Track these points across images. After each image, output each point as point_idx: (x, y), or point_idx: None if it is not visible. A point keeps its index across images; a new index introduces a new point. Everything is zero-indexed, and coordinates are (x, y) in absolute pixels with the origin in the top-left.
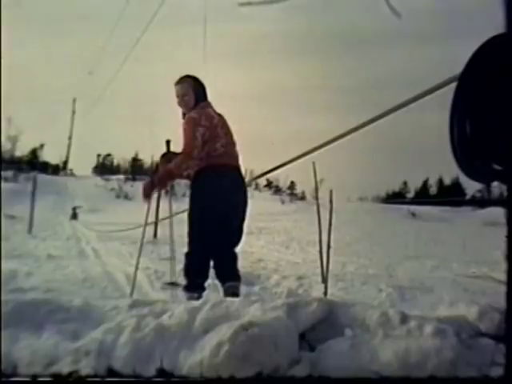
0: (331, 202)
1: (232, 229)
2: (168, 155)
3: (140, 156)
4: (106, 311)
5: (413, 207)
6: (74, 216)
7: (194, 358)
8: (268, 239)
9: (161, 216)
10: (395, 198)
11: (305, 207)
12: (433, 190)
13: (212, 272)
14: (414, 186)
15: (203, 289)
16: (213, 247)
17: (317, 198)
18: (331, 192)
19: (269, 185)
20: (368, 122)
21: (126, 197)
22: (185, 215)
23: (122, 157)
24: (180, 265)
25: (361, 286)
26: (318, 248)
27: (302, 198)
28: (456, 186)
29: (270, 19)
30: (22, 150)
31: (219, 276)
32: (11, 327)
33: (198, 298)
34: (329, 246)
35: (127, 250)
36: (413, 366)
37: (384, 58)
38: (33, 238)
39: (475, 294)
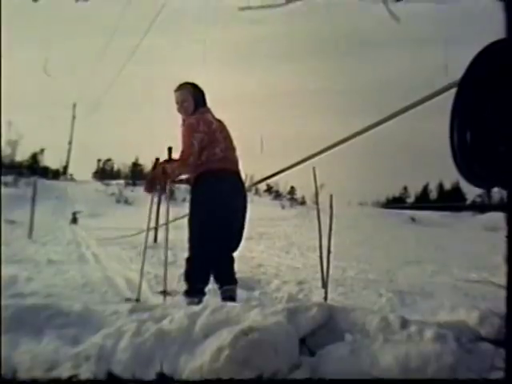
0: (331, 206)
1: (232, 233)
2: (163, 162)
3: (140, 161)
4: (106, 316)
5: (413, 212)
6: (74, 221)
7: (195, 363)
8: (268, 244)
9: (161, 221)
10: (395, 202)
11: (305, 212)
12: (433, 194)
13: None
14: (414, 190)
15: (203, 294)
16: (213, 252)
17: (317, 203)
18: (331, 197)
19: (269, 190)
20: (367, 128)
21: (126, 202)
22: (185, 220)
23: (122, 162)
24: (181, 269)
25: (361, 290)
26: (318, 253)
27: (303, 202)
28: (456, 191)
29: (269, 22)
30: (22, 155)
31: (217, 279)
32: (11, 332)
33: (198, 302)
34: (329, 251)
35: (127, 254)
36: (413, 371)
37: (384, 61)
38: (33, 242)
39: (475, 299)
